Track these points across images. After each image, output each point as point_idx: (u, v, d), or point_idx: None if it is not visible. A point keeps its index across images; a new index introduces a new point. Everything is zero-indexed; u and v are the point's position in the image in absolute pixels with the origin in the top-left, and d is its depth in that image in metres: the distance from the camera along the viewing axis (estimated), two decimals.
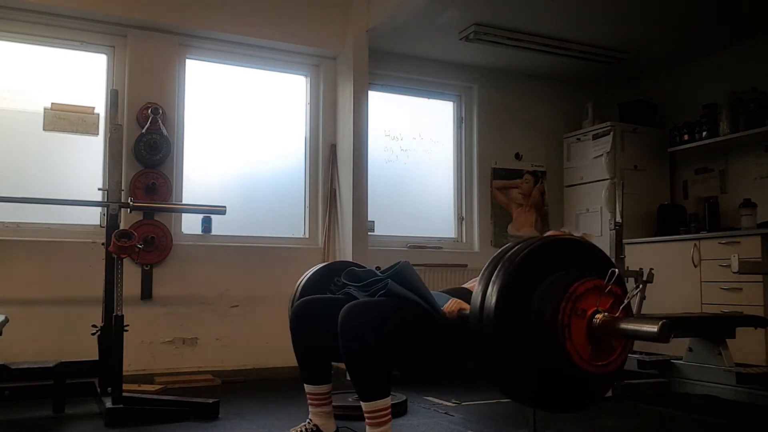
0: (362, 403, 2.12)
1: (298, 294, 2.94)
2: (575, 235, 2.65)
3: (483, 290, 1.78)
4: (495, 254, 1.87)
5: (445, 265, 4.96)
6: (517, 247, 1.83)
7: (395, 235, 5.03)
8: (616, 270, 1.75)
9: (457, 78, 5.38)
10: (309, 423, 2.50)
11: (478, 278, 1.86)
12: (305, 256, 4.62)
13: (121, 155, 3.46)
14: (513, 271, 1.76)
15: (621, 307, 1.72)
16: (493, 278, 1.77)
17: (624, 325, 1.64)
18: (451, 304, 2.21)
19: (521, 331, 1.73)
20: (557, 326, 1.67)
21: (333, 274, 2.82)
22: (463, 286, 2.66)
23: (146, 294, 4.12)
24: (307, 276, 3.03)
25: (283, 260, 4.52)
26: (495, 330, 1.72)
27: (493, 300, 1.73)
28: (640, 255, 4.71)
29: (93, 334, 3.21)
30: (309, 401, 2.52)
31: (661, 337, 1.55)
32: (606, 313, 1.69)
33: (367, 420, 2.11)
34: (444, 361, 2.25)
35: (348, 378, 2.58)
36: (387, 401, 2.10)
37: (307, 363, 2.55)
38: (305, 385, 2.52)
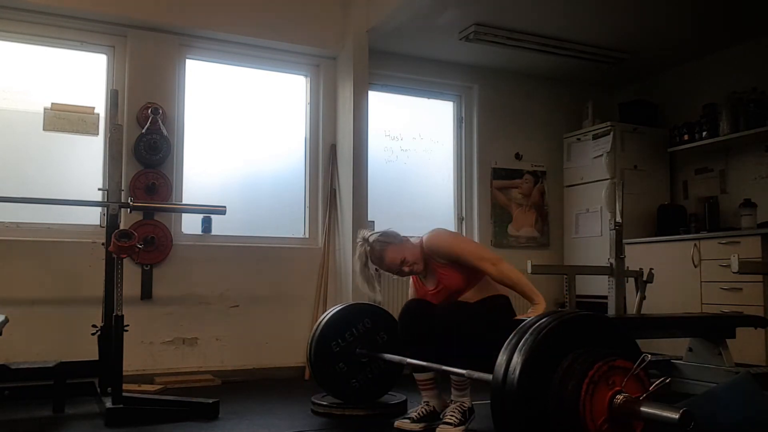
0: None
1: (318, 333, 3.15)
2: (368, 238, 2.90)
3: (507, 361, 1.83)
4: (521, 325, 1.91)
5: None
6: (542, 321, 1.87)
7: None
8: (648, 356, 1.78)
9: (457, 78, 5.38)
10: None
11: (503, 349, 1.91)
12: (305, 256, 4.63)
13: (121, 155, 3.46)
14: (538, 344, 1.80)
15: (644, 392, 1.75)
16: (517, 350, 1.82)
17: (645, 408, 1.68)
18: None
19: (542, 406, 1.76)
20: (578, 404, 1.70)
21: (353, 317, 3.14)
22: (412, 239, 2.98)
23: (146, 294, 4.12)
24: (329, 315, 3.15)
25: (283, 260, 4.52)
26: (516, 402, 1.76)
27: (517, 372, 1.77)
28: (640, 255, 4.70)
29: (93, 334, 3.21)
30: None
31: (682, 425, 1.58)
32: (627, 395, 1.72)
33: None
34: None
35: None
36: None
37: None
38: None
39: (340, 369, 3.15)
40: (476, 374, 2.34)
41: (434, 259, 2.91)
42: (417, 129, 5.31)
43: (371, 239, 2.90)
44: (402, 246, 2.89)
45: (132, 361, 3.80)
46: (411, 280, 3.08)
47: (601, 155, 5.17)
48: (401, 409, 3.13)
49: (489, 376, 1.94)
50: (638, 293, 3.99)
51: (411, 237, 3.00)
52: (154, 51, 4.31)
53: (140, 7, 4.18)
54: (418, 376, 2.95)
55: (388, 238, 2.90)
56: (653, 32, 4.71)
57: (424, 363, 2.73)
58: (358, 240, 2.95)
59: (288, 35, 4.60)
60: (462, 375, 2.54)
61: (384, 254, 2.86)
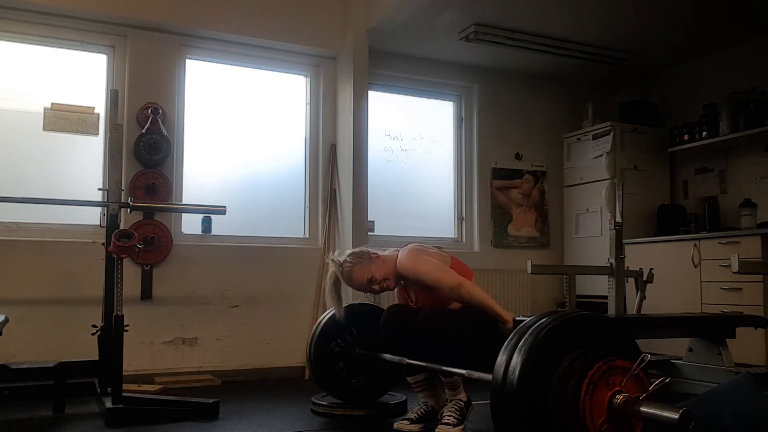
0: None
1: (318, 333, 3.17)
2: (337, 260, 2.89)
3: (507, 361, 1.83)
4: (521, 326, 1.91)
5: None
6: (542, 321, 1.88)
7: (395, 235, 5.02)
8: (648, 356, 1.78)
9: (457, 78, 5.38)
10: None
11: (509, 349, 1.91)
12: (305, 256, 4.63)
13: (121, 155, 3.46)
14: (538, 344, 1.80)
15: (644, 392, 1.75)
16: (517, 350, 1.82)
17: (644, 408, 1.68)
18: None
19: (542, 406, 1.76)
20: (578, 404, 1.70)
21: (353, 317, 3.12)
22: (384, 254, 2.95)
23: (146, 294, 4.12)
24: (329, 315, 3.16)
25: (283, 260, 4.52)
26: (516, 402, 1.77)
27: (517, 372, 1.78)
28: (640, 255, 4.71)
29: (93, 334, 3.22)
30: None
31: (682, 425, 1.58)
32: (627, 395, 1.73)
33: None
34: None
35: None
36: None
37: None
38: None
39: (340, 369, 3.15)
40: (476, 374, 2.34)
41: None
42: (417, 129, 5.31)
43: (341, 259, 2.91)
44: (370, 264, 2.88)
45: (132, 361, 3.80)
46: (397, 289, 3.07)
47: (601, 155, 5.17)
48: (401, 409, 3.13)
49: (489, 376, 1.94)
50: (638, 293, 3.99)
51: (387, 250, 2.98)
52: (154, 51, 4.31)
53: (140, 7, 4.18)
54: (411, 378, 2.95)
55: (356, 258, 2.90)
56: (653, 32, 4.71)
57: (422, 363, 2.73)
58: (329, 262, 2.96)
59: (288, 35, 4.60)
60: (454, 375, 2.57)
61: (352, 274, 2.87)
